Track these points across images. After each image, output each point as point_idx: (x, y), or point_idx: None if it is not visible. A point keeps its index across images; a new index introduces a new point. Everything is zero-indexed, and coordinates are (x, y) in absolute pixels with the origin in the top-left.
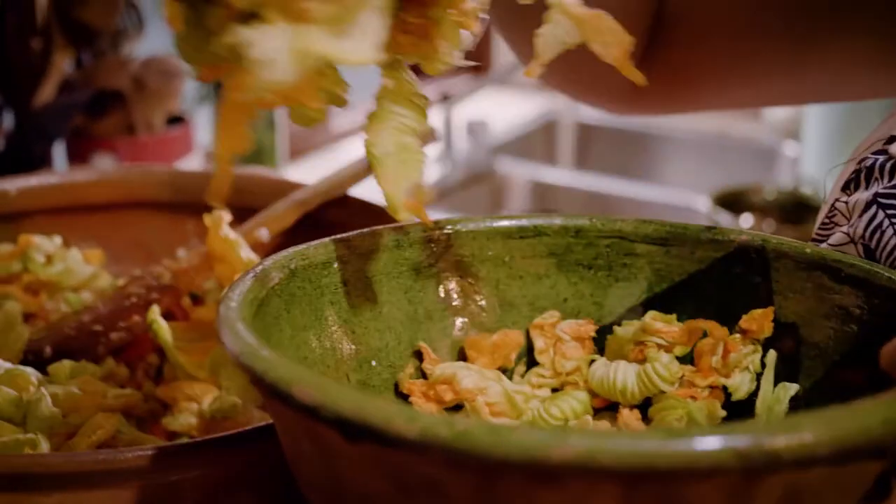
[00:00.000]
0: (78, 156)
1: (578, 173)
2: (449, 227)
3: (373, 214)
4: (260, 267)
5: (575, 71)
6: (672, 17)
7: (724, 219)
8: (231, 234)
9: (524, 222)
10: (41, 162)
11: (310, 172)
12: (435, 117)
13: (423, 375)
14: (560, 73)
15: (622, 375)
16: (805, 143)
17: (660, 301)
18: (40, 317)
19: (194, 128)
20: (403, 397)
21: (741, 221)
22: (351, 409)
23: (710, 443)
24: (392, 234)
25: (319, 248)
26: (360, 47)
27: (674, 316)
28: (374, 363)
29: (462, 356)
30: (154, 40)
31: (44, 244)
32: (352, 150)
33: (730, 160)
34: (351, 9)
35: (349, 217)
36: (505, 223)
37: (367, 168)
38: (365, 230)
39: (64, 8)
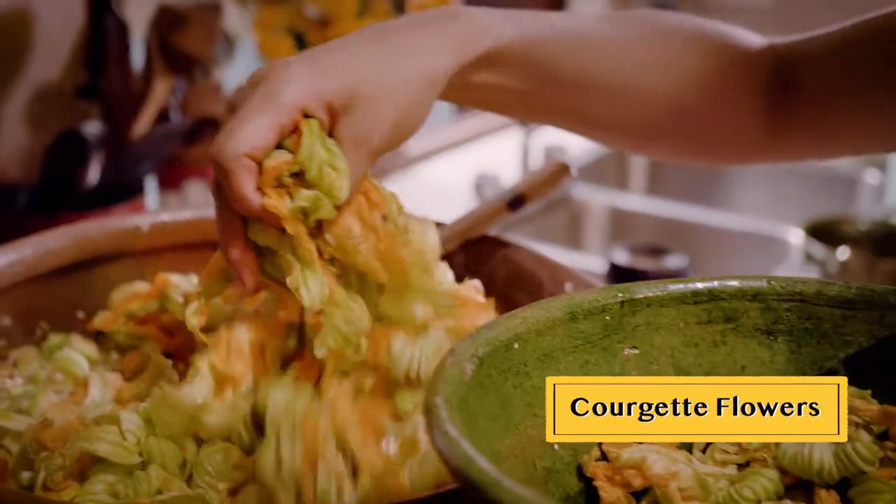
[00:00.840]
0: (169, 183)
1: (652, 199)
2: (621, 294)
3: (509, 251)
4: (453, 359)
5: (692, 136)
6: (801, 73)
7: (818, 251)
8: None
9: (698, 286)
10: (133, 192)
11: None
12: (513, 142)
13: (604, 456)
14: (675, 144)
15: (818, 454)
16: (891, 173)
17: (845, 368)
18: (178, 359)
19: None
20: (587, 481)
21: (838, 254)
22: None
23: None
24: (565, 306)
25: (500, 329)
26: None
27: (868, 392)
28: (556, 447)
29: None
30: (241, 66)
31: (181, 283)
32: (428, 173)
33: (805, 188)
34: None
35: (486, 258)
36: (679, 287)
37: (504, 207)
38: (538, 303)
39: (163, 35)
